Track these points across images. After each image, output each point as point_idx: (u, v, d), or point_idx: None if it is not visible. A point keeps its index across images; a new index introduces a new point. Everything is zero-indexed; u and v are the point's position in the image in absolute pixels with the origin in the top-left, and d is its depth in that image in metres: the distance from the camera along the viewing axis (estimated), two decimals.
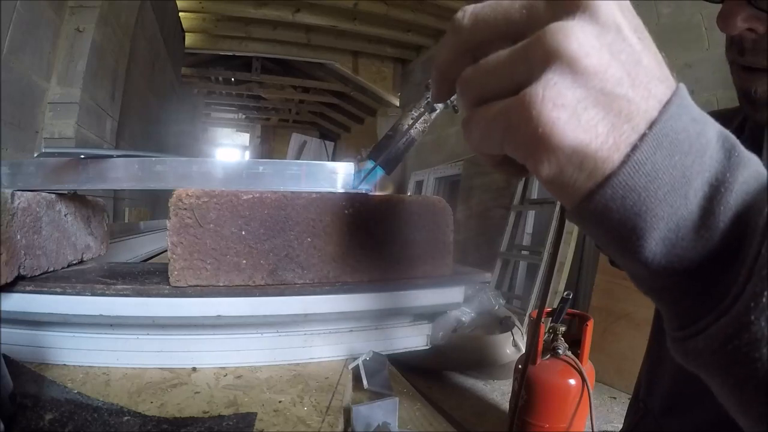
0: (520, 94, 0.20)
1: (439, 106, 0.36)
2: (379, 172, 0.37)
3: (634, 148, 0.19)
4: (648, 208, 0.20)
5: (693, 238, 0.20)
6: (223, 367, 0.56)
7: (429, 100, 0.36)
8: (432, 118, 0.36)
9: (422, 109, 0.36)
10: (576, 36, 0.19)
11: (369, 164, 0.37)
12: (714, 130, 0.21)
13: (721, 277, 0.20)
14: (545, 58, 0.19)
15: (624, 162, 0.19)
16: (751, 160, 0.21)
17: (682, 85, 0.21)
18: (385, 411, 0.49)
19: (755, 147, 0.21)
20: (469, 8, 0.23)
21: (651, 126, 0.19)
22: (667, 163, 0.19)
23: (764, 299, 0.18)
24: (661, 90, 0.20)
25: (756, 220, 0.19)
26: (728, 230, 0.20)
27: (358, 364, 0.57)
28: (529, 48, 0.20)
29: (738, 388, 0.19)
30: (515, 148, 0.21)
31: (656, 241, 0.20)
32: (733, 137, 0.21)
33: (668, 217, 0.20)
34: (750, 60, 0.43)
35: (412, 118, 0.36)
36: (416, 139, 0.36)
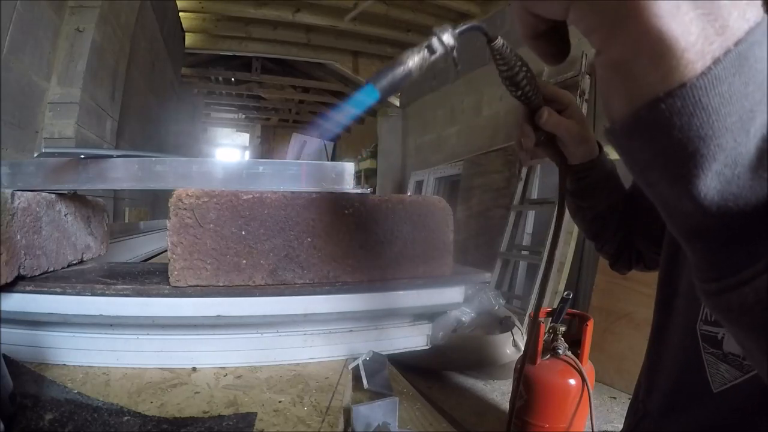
0: None
1: (439, 50, 0.37)
2: (374, 96, 0.38)
3: (717, 61, 0.17)
4: (714, 134, 0.18)
5: (750, 178, 0.18)
6: (223, 367, 0.56)
7: (429, 44, 0.37)
8: (431, 59, 0.38)
9: (423, 50, 0.37)
10: None
11: (366, 87, 0.38)
12: None
13: None
14: None
15: (703, 74, 0.17)
16: None
17: (765, 15, 0.19)
18: (385, 411, 0.49)
19: None
20: None
21: (737, 44, 0.18)
22: (742, 90, 0.18)
23: None
24: (753, 14, 0.18)
25: None
26: None
27: (358, 364, 0.57)
28: None
29: None
30: (590, 11, 0.19)
31: (713, 174, 0.18)
32: None
33: (729, 150, 0.18)
34: None
35: (413, 52, 0.37)
36: (413, 72, 0.37)
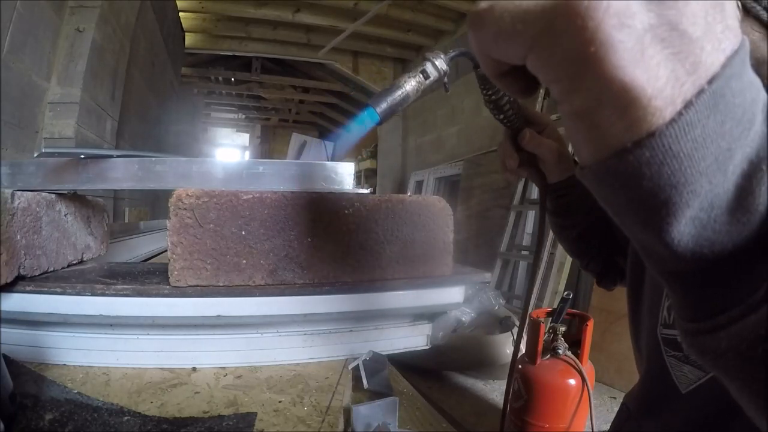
0: None
1: (433, 75, 0.39)
2: (373, 119, 0.39)
3: (688, 105, 0.16)
4: (687, 181, 0.16)
5: (727, 221, 0.17)
6: (223, 367, 0.56)
7: (424, 68, 0.39)
8: (426, 83, 0.39)
9: (418, 75, 0.38)
10: None
11: (366, 111, 0.39)
12: (764, 98, 0.18)
13: (755, 267, 0.17)
14: None
15: (674, 120, 0.16)
16: None
17: (745, 39, 0.17)
18: (385, 411, 0.49)
19: None
20: None
21: (711, 81, 0.16)
22: (718, 130, 0.16)
23: None
24: (731, 43, 0.17)
25: None
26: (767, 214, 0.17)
27: (358, 364, 0.57)
28: None
29: (764, 398, 0.17)
30: (547, 63, 0.17)
31: (687, 221, 0.17)
32: None
33: (705, 195, 0.17)
34: None
35: (409, 77, 0.39)
36: (411, 96, 0.38)
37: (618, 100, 0.16)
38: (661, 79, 0.16)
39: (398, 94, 0.38)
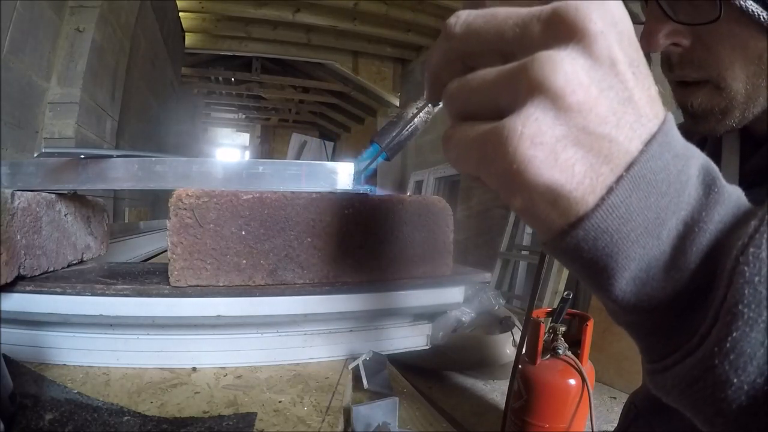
0: (498, 125, 0.19)
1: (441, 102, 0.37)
2: (381, 157, 0.37)
3: (610, 190, 0.19)
4: (620, 250, 0.20)
5: (663, 278, 0.20)
6: (223, 367, 0.56)
7: None
8: (435, 111, 0.37)
9: (426, 102, 0.37)
10: (564, 69, 0.18)
11: (372, 148, 0.37)
12: (697, 164, 0.21)
13: (689, 316, 0.20)
14: (529, 90, 0.19)
15: (598, 205, 0.19)
16: (731, 195, 0.21)
17: (669, 117, 0.20)
18: (385, 411, 0.49)
19: (715, 160, 0.22)
20: (463, 15, 0.22)
21: (629, 168, 0.19)
22: (642, 204, 0.19)
23: (728, 344, 0.18)
24: (648, 128, 0.20)
25: (725, 262, 0.19)
26: (698, 271, 0.20)
27: (358, 364, 0.57)
28: (514, 75, 0.19)
29: (708, 425, 0.20)
30: (488, 178, 0.21)
31: (626, 281, 0.20)
32: (714, 170, 0.21)
33: (640, 258, 0.20)
34: (680, 74, 0.43)
35: (416, 108, 0.37)
36: (419, 129, 0.36)
37: (545, 197, 0.19)
38: (578, 174, 0.19)
39: (406, 128, 0.36)
